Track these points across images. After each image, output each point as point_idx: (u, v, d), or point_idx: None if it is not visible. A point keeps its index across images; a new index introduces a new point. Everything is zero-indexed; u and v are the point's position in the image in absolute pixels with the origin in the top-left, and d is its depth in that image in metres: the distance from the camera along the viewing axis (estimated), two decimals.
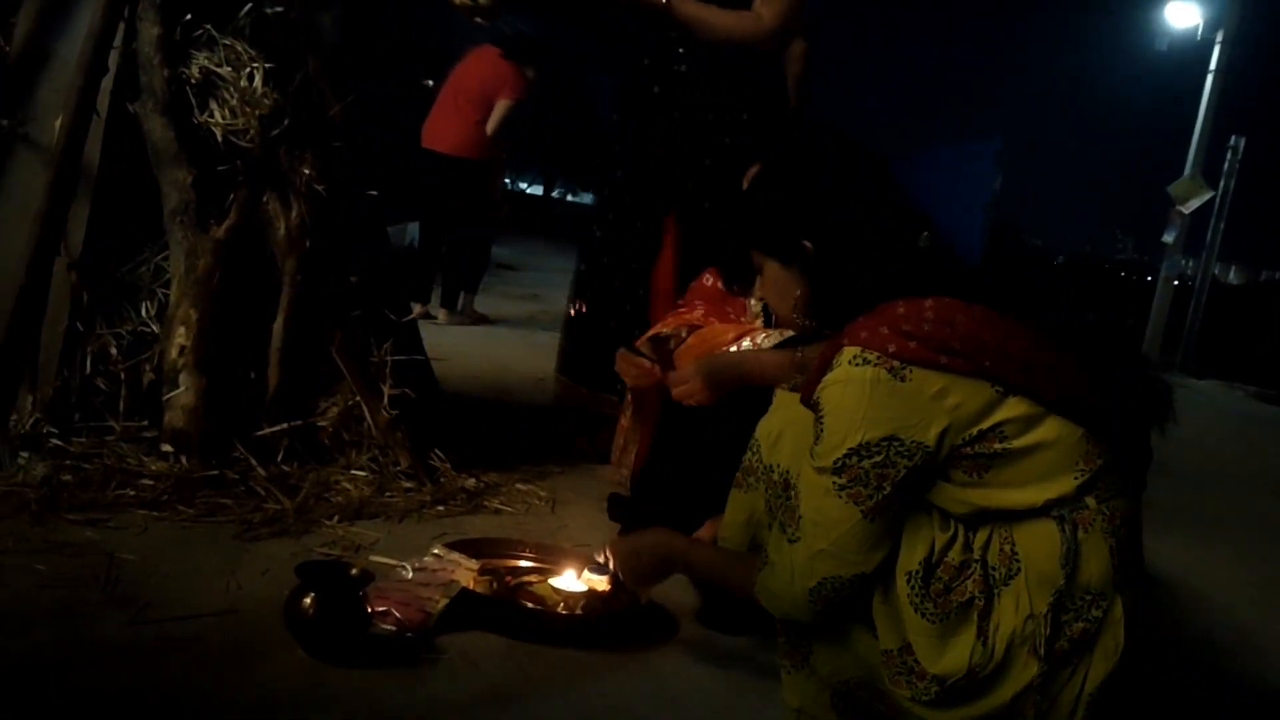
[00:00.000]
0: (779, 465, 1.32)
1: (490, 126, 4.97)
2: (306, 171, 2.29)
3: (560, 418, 2.79)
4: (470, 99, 4.98)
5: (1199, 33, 10.73)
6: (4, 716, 1.22)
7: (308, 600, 1.42)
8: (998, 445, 1.15)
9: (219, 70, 2.24)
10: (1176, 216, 9.65)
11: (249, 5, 2.29)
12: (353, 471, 2.22)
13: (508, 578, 1.79)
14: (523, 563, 1.87)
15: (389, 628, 1.53)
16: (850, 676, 1.25)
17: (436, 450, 2.35)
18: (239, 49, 2.26)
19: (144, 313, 2.18)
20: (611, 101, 2.73)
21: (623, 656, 1.59)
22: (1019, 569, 1.15)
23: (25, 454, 1.95)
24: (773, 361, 1.78)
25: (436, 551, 1.82)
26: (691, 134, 2.49)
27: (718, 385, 1.78)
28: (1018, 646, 1.13)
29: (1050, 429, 1.15)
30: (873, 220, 1.32)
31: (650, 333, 2.12)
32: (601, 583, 1.72)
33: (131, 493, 1.93)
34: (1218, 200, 9.66)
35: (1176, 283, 10.39)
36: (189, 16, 2.23)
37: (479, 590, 1.70)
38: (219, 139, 2.22)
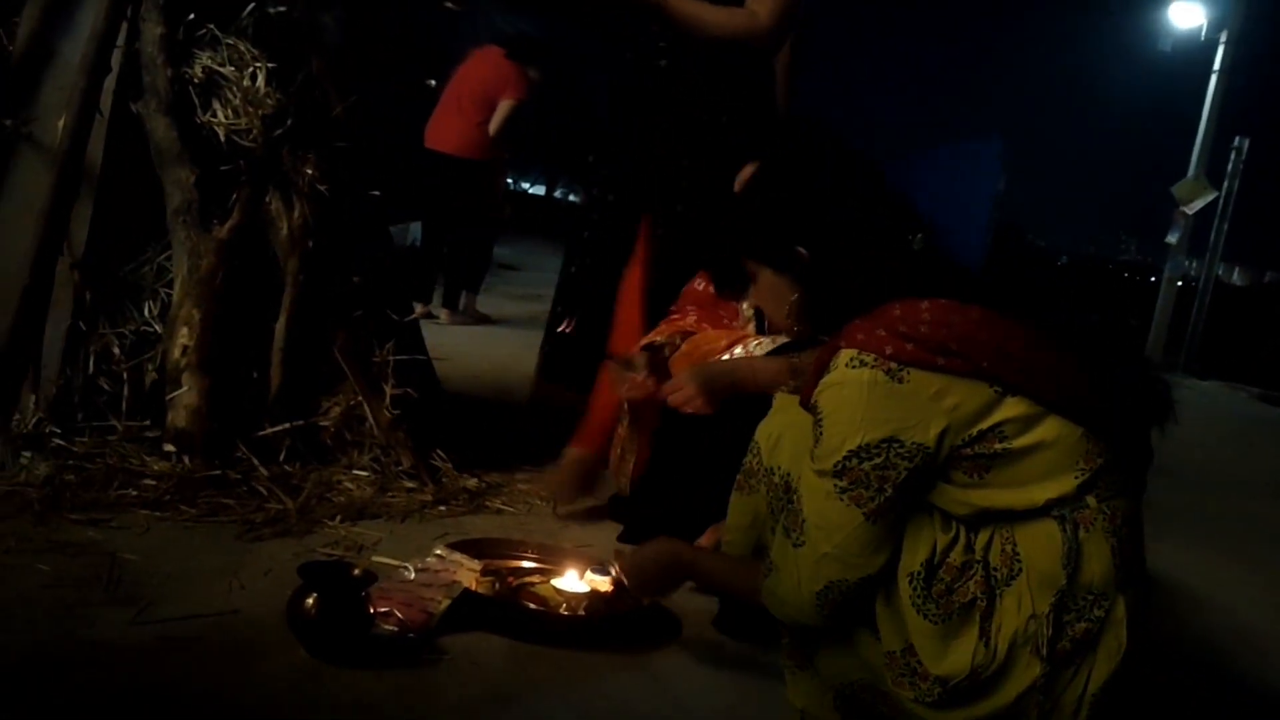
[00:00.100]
0: (780, 468, 1.32)
1: (493, 127, 4.97)
2: (309, 171, 2.29)
3: (560, 419, 2.78)
4: (473, 99, 4.99)
5: (1203, 33, 10.72)
6: (6, 715, 1.22)
7: (310, 601, 1.42)
8: (998, 445, 1.15)
9: (222, 70, 2.24)
10: (1180, 217, 9.65)
11: (252, 5, 2.29)
12: (355, 471, 2.22)
13: (510, 578, 1.79)
14: (525, 563, 1.86)
15: (391, 628, 1.53)
16: (854, 678, 1.25)
17: (438, 450, 2.35)
18: (242, 49, 2.27)
19: (147, 312, 2.18)
20: (605, 100, 2.70)
21: (625, 658, 1.59)
22: (1020, 569, 1.15)
23: (28, 453, 1.95)
24: (767, 368, 1.78)
25: (439, 552, 1.82)
26: (670, 132, 2.40)
27: (713, 392, 1.78)
28: (1020, 647, 1.13)
29: (1050, 428, 1.15)
30: (870, 220, 1.32)
31: (644, 341, 2.11)
32: (604, 584, 1.72)
33: (134, 492, 1.93)
34: (1221, 201, 9.65)
35: (1180, 284, 10.38)
36: (192, 16, 2.23)
37: (481, 591, 1.70)
38: (222, 139, 2.22)
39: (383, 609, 1.55)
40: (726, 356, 1.92)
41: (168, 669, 1.36)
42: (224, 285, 2.16)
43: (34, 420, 2.00)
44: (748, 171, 1.78)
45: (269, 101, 2.24)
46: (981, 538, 1.18)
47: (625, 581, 1.54)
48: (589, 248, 2.58)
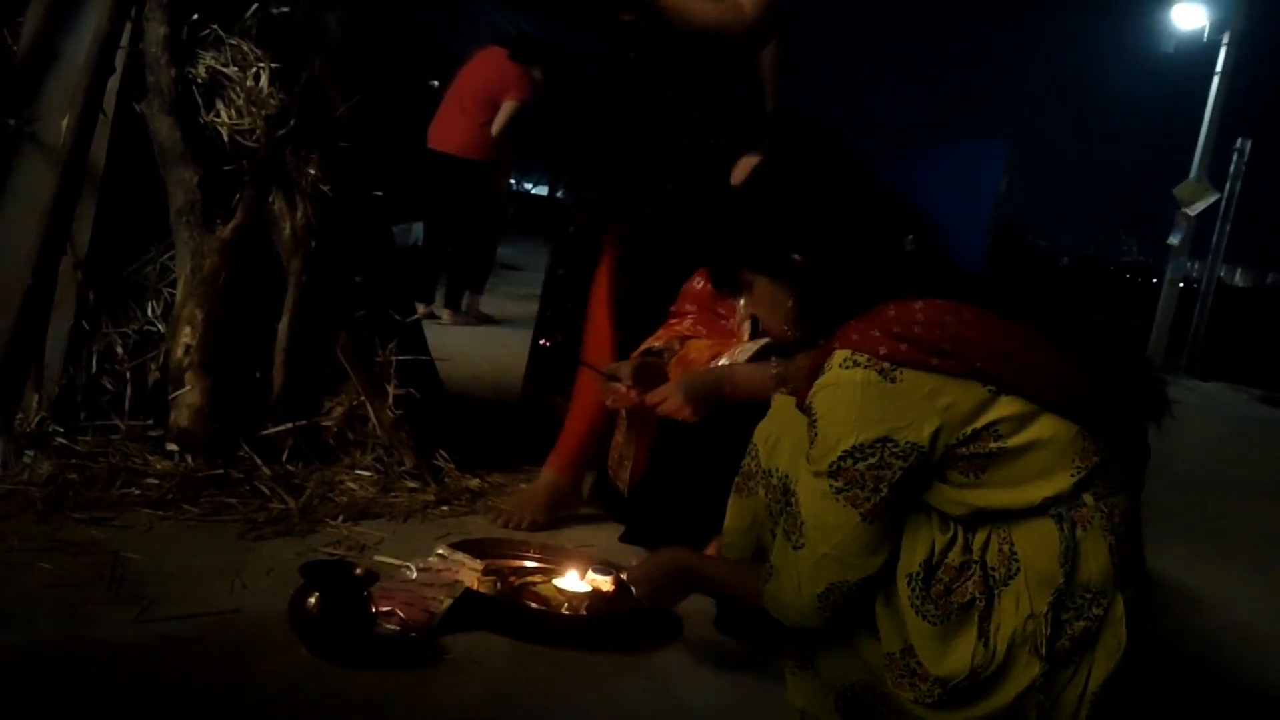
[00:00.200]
0: (778, 469, 1.32)
1: (495, 127, 4.97)
2: (312, 171, 2.29)
3: (553, 421, 2.77)
4: (476, 100, 4.99)
5: (1205, 34, 10.71)
6: (8, 714, 1.22)
7: (312, 600, 1.42)
8: (993, 444, 1.15)
9: (225, 70, 2.24)
10: (1182, 219, 9.64)
11: (255, 5, 2.30)
12: (357, 471, 2.22)
13: (512, 578, 1.79)
14: (527, 563, 1.87)
15: (393, 628, 1.53)
16: (854, 679, 1.25)
17: (441, 450, 2.35)
18: (245, 49, 2.27)
19: (150, 312, 2.19)
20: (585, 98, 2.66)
21: (626, 658, 1.59)
22: (1018, 569, 1.15)
23: (31, 452, 1.96)
24: (749, 378, 1.79)
25: (441, 552, 1.82)
26: (647, 131, 2.29)
27: (697, 402, 1.79)
28: (1019, 646, 1.14)
29: (1045, 426, 1.15)
30: (868, 221, 1.32)
31: (643, 346, 2.12)
32: (605, 583, 1.72)
33: (136, 492, 1.93)
34: (1223, 203, 9.64)
35: (1182, 285, 10.37)
36: (196, 16, 2.24)
37: (483, 591, 1.70)
38: (225, 139, 2.22)
39: (384, 608, 1.55)
40: (712, 365, 1.93)
41: (169, 668, 1.36)
42: (227, 285, 2.16)
43: (37, 419, 2.01)
44: (745, 166, 1.77)
45: (272, 102, 2.24)
46: (979, 538, 1.18)
47: (634, 591, 1.53)
48: (572, 248, 2.54)
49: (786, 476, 1.29)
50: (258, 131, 2.23)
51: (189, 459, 2.03)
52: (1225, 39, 10.29)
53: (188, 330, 2.11)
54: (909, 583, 1.17)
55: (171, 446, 2.05)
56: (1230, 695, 1.88)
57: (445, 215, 5.22)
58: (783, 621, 1.26)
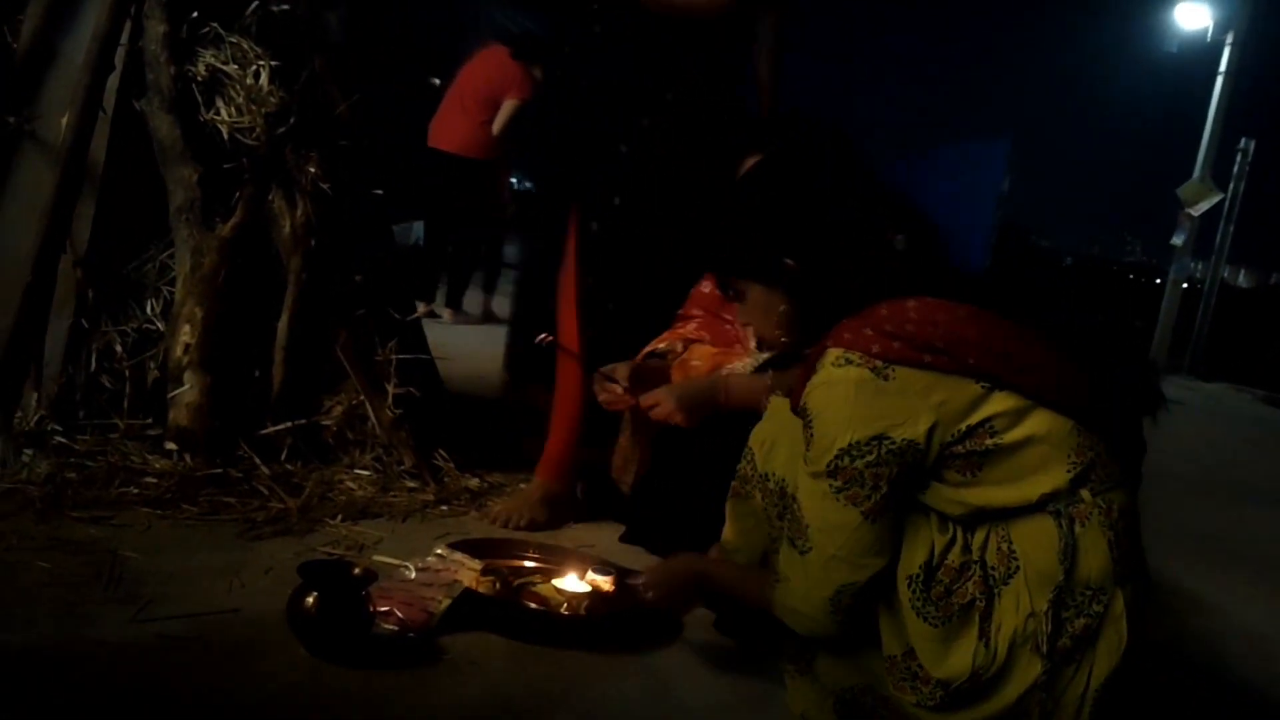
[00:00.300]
0: (775, 473, 1.32)
1: (496, 126, 4.97)
2: (312, 170, 2.29)
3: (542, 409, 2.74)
4: (477, 99, 4.99)
5: (1209, 34, 10.70)
6: (6, 713, 1.22)
7: (310, 599, 1.42)
8: (989, 441, 1.15)
9: (225, 68, 2.24)
10: (1185, 219, 9.63)
11: (255, 3, 2.29)
12: (356, 471, 2.22)
13: (511, 578, 1.78)
14: (526, 563, 1.86)
15: (391, 628, 1.53)
16: (854, 683, 1.25)
17: (440, 450, 2.34)
18: (245, 47, 2.27)
19: (149, 310, 2.18)
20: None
21: (626, 658, 1.58)
22: (1018, 567, 1.15)
23: (30, 451, 1.95)
24: (742, 388, 1.79)
25: (439, 551, 1.81)
26: (599, 107, 2.20)
27: (689, 409, 1.79)
28: (1020, 646, 1.13)
29: (1040, 422, 1.15)
30: (862, 220, 1.31)
31: (648, 348, 2.11)
32: (605, 583, 1.71)
33: (135, 491, 1.92)
34: (1227, 203, 9.64)
35: (1185, 286, 10.37)
36: (195, 14, 2.23)
37: (482, 591, 1.69)
38: (225, 137, 2.22)
39: (383, 608, 1.54)
40: (710, 374, 1.93)
41: (168, 667, 1.36)
42: (226, 283, 2.16)
43: (36, 418, 2.01)
44: (749, 168, 1.77)
45: (272, 100, 2.24)
46: (978, 537, 1.18)
47: (648, 596, 1.52)
48: (538, 240, 2.47)
49: (784, 480, 1.29)
50: (258, 129, 2.23)
51: (188, 458, 2.03)
52: (1229, 39, 10.28)
53: (187, 329, 2.11)
54: (909, 585, 1.16)
55: (170, 445, 2.04)
56: (1230, 696, 1.88)
57: (446, 214, 5.22)
58: (795, 629, 1.24)
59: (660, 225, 2.13)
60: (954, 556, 1.17)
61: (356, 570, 1.52)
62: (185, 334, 2.11)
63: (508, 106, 4.95)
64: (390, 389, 2.31)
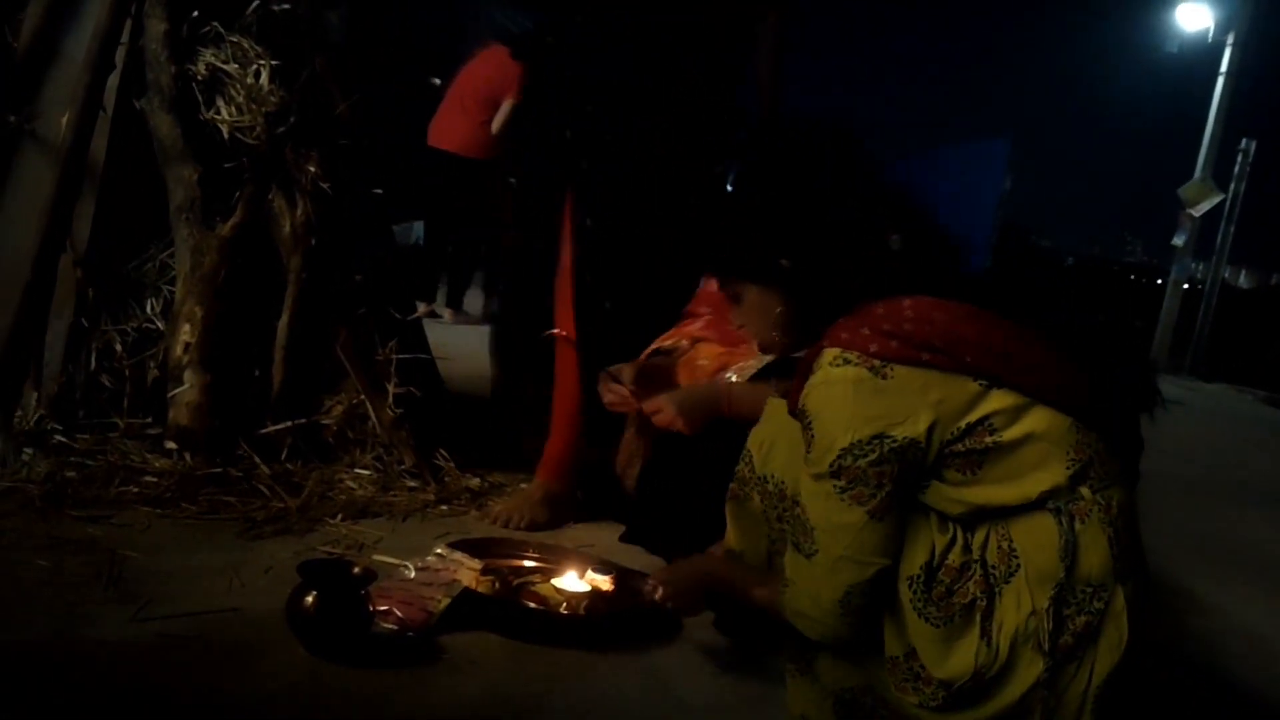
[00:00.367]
0: (773, 475, 1.31)
1: (495, 126, 4.97)
2: (312, 169, 2.29)
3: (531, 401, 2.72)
4: (477, 98, 4.99)
5: (1210, 35, 10.71)
6: (6, 713, 1.22)
7: (309, 599, 1.42)
8: (988, 439, 1.14)
9: (226, 67, 2.24)
10: (1186, 219, 9.64)
11: (256, 2, 2.29)
12: (357, 470, 2.22)
13: (510, 578, 1.78)
14: (526, 563, 1.86)
15: (391, 627, 1.53)
16: (854, 684, 1.24)
17: (441, 449, 2.34)
18: (246, 46, 2.27)
19: (149, 309, 2.19)
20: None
21: (625, 657, 1.58)
22: (1018, 566, 1.15)
23: (29, 450, 1.95)
24: (744, 397, 1.79)
25: (439, 551, 1.81)
26: (582, 98, 2.20)
27: (691, 416, 1.79)
28: (1021, 644, 1.13)
29: (1038, 419, 1.15)
30: (858, 220, 1.31)
31: (653, 345, 2.11)
32: (605, 583, 1.71)
33: (135, 490, 1.92)
34: (1228, 203, 9.65)
35: (1186, 286, 10.37)
36: (196, 13, 2.23)
37: (481, 590, 1.69)
38: (225, 136, 2.22)
39: (382, 607, 1.54)
40: (713, 378, 1.92)
41: (167, 667, 1.36)
42: (226, 283, 2.16)
43: (36, 417, 2.01)
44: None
45: (272, 99, 2.24)
46: (978, 537, 1.17)
47: (659, 594, 1.51)
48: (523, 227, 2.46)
49: (783, 482, 1.28)
50: (258, 129, 2.23)
51: (188, 457, 2.03)
52: (1230, 39, 10.28)
53: (187, 328, 2.11)
54: (910, 586, 1.16)
55: (170, 444, 2.04)
56: (1230, 696, 1.88)
57: (446, 214, 5.22)
58: (807, 635, 1.23)
59: (659, 225, 2.12)
60: (954, 556, 1.16)
61: (356, 569, 1.52)
62: (185, 333, 2.11)
63: (507, 106, 4.96)
64: (390, 388, 2.31)
